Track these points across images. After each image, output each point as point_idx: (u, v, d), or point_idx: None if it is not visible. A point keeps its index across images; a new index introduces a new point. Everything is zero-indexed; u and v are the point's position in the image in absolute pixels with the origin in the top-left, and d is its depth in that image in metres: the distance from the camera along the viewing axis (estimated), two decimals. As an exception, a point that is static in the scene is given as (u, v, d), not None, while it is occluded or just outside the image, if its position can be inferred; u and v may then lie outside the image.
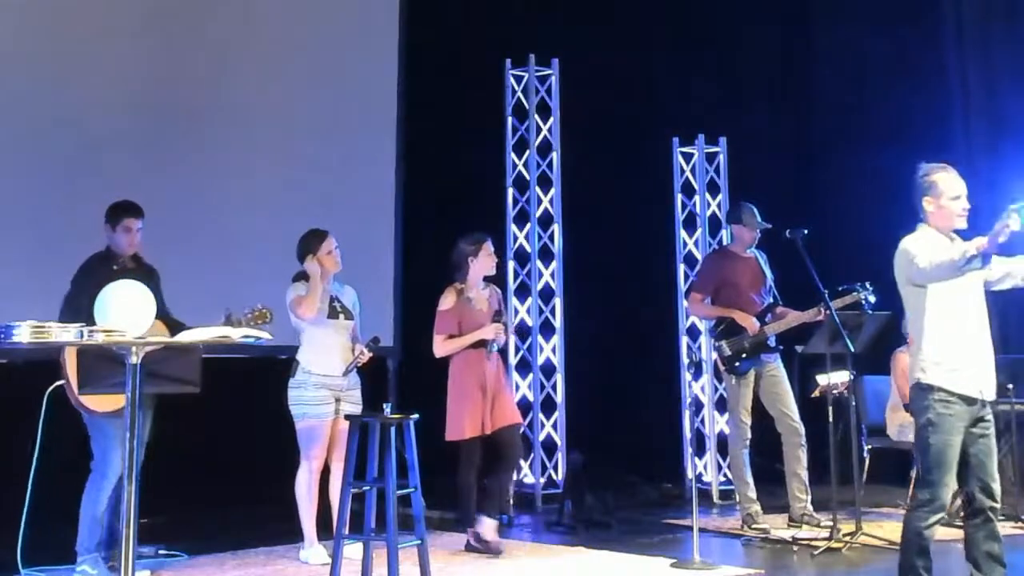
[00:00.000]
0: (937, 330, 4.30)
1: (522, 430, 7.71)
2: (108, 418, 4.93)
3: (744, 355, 6.62)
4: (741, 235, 6.85)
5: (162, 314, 4.99)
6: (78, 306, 4.84)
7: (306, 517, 5.62)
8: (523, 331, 8.07)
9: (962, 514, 4.43)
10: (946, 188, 4.37)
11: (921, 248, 4.31)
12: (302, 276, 5.69)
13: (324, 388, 5.60)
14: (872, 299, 6.15)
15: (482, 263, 6.07)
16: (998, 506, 4.34)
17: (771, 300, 6.81)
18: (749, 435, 6.69)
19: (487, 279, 6.19)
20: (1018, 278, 4.39)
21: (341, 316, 5.72)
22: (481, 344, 5.97)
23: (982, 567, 4.28)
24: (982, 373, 4.33)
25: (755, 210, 6.83)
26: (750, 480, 6.69)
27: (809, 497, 6.62)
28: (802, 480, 6.62)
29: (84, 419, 5.01)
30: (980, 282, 4.37)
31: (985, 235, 4.12)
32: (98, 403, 4.80)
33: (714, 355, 6.91)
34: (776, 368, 6.71)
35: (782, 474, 6.70)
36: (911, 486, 5.39)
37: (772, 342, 6.67)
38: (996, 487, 4.33)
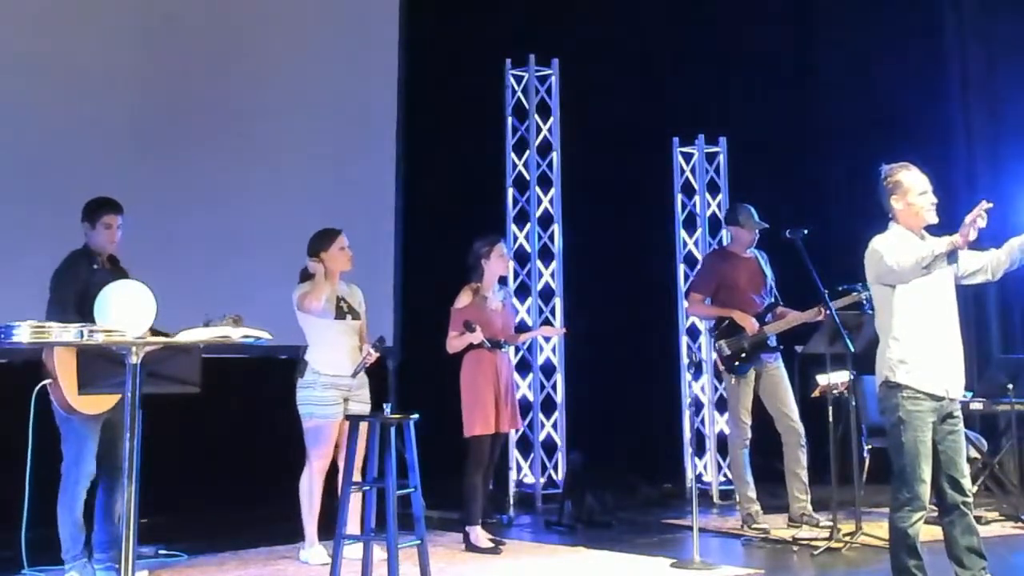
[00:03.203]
0: (904, 329, 4.33)
1: (522, 430, 7.78)
2: (88, 420, 4.91)
3: (744, 355, 6.62)
4: (740, 236, 6.85)
5: None
6: (64, 304, 4.83)
7: (308, 517, 5.61)
8: (523, 330, 8.06)
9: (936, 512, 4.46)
10: (911, 185, 4.40)
11: (890, 247, 4.34)
12: (309, 276, 5.69)
13: (332, 388, 5.59)
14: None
15: (495, 264, 6.12)
16: (970, 500, 4.36)
17: (771, 300, 6.82)
18: (749, 435, 6.68)
19: (502, 281, 6.25)
20: (989, 272, 4.41)
21: (348, 317, 5.71)
22: (498, 345, 6.03)
23: (964, 562, 4.30)
24: (949, 372, 4.34)
25: (752, 211, 6.83)
26: (750, 480, 6.69)
27: (809, 497, 6.61)
28: (802, 480, 6.62)
29: (57, 420, 4.95)
30: (951, 280, 4.39)
31: (954, 234, 4.16)
32: (84, 404, 4.78)
33: (714, 355, 6.91)
34: (776, 368, 6.71)
35: (782, 474, 6.70)
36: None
37: (773, 342, 6.67)
38: (966, 482, 4.36)
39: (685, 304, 8.12)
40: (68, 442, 5.01)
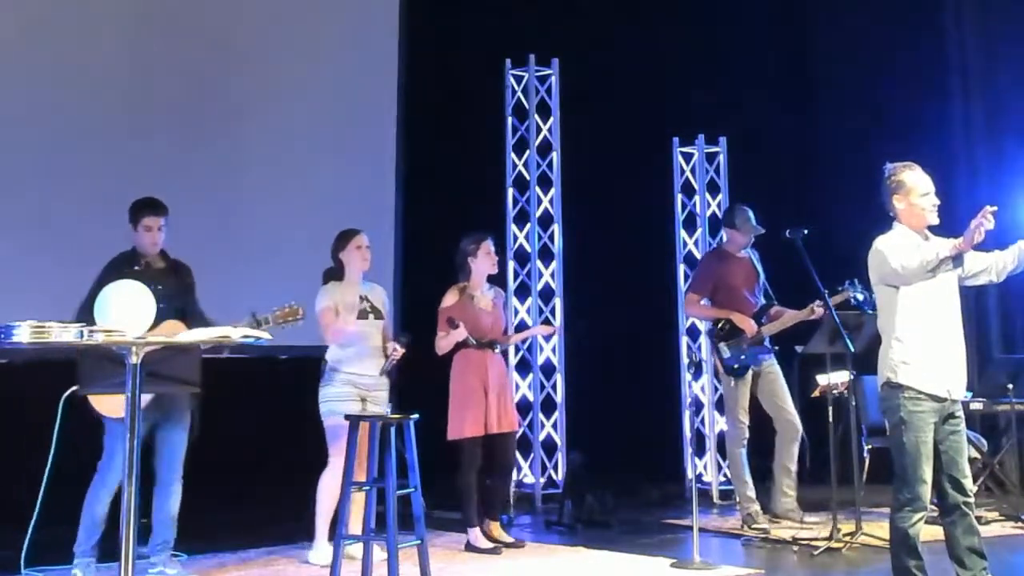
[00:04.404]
0: (906, 330, 4.33)
1: (522, 430, 7.77)
2: (120, 424, 4.91)
3: (743, 356, 6.63)
4: (735, 238, 6.86)
5: (195, 313, 5.00)
6: (91, 306, 4.84)
7: (319, 514, 5.57)
8: (523, 331, 8.06)
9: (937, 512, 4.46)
10: (914, 185, 4.40)
11: (894, 248, 4.34)
12: (331, 277, 5.68)
13: (349, 385, 5.56)
14: (860, 296, 6.10)
15: (482, 262, 6.07)
16: (971, 500, 4.37)
17: (764, 299, 6.83)
18: (747, 435, 6.69)
19: (491, 280, 6.20)
20: (993, 273, 4.42)
21: (371, 316, 5.68)
22: (488, 345, 6.01)
23: (965, 563, 4.31)
24: (951, 373, 4.34)
25: (750, 213, 6.83)
26: (749, 480, 6.69)
27: (795, 494, 6.63)
28: (792, 476, 6.63)
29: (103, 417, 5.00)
30: (954, 281, 4.39)
31: (960, 236, 4.17)
32: (108, 408, 4.79)
33: (713, 356, 6.91)
34: (772, 366, 6.73)
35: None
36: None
37: (768, 341, 6.69)
38: (967, 483, 4.36)
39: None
40: (106, 441, 5.02)
